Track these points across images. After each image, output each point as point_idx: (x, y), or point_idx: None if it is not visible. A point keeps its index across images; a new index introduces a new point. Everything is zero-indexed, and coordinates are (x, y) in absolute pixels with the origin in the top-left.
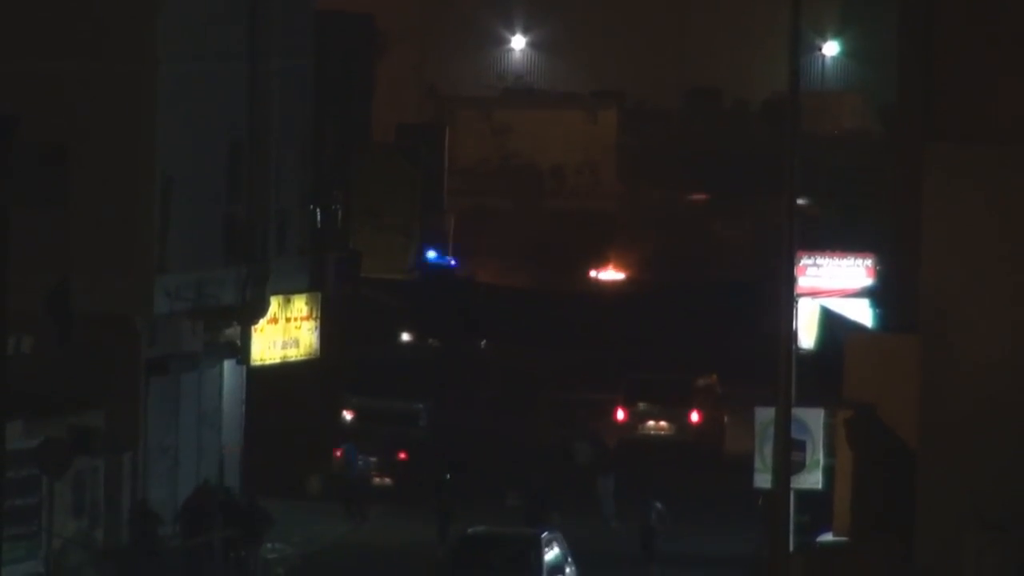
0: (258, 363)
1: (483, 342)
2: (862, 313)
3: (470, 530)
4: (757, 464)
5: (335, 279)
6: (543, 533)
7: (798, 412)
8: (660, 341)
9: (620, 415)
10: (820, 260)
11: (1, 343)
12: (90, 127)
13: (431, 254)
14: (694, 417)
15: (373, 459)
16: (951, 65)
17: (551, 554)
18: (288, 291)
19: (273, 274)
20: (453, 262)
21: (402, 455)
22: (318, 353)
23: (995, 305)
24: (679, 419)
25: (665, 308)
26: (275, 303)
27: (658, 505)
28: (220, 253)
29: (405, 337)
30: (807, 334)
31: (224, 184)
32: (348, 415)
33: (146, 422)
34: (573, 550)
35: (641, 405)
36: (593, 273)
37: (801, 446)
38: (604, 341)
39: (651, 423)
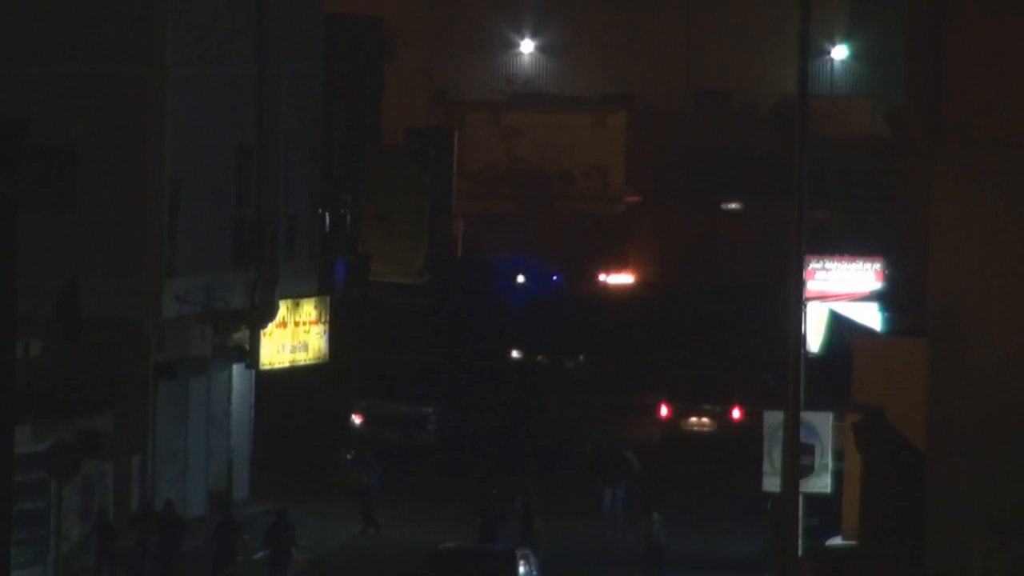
0: (267, 367)
1: (580, 357)
2: (871, 317)
3: (441, 546)
4: (766, 468)
5: (344, 283)
6: (515, 549)
7: (807, 416)
8: (686, 343)
9: (663, 411)
10: (829, 264)
11: (10, 346)
12: (99, 130)
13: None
14: (735, 414)
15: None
16: (960, 68)
17: (522, 570)
18: (297, 295)
19: (282, 278)
20: (555, 277)
21: None
22: (327, 357)
23: (1004, 308)
24: (721, 416)
25: (686, 310)
26: (284, 307)
27: (655, 516)
28: (229, 257)
29: (515, 354)
30: (815, 338)
31: (233, 187)
32: (357, 419)
33: (155, 426)
34: (575, 554)
35: (703, 406)
36: (602, 277)
37: (810, 450)
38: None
39: (693, 419)
